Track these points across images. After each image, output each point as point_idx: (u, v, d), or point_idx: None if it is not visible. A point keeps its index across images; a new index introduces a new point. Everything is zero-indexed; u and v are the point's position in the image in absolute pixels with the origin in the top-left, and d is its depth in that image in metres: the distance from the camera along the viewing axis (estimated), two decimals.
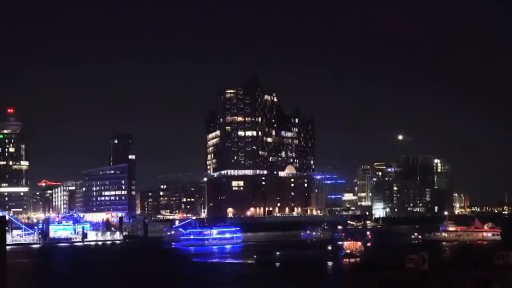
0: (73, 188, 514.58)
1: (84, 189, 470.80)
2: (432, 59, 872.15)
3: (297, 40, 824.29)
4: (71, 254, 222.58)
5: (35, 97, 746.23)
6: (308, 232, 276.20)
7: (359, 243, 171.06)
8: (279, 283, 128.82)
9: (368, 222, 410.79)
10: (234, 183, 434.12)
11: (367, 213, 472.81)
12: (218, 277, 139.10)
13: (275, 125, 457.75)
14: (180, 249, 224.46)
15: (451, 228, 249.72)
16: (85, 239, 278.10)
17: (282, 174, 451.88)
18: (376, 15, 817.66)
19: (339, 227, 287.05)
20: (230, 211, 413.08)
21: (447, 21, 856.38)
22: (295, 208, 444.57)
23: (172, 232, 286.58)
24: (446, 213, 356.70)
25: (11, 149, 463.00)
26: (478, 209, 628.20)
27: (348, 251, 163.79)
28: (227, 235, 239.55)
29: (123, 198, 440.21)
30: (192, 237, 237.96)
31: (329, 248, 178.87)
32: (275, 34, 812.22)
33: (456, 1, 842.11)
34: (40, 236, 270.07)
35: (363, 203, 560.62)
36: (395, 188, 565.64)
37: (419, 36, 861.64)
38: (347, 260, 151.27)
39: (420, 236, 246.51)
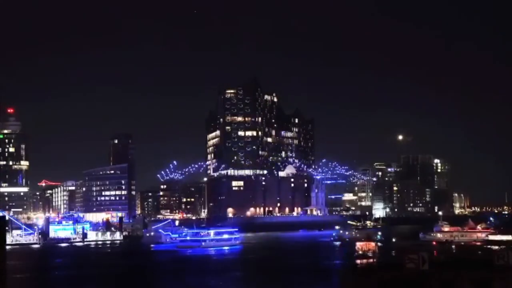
0: (73, 188, 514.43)
1: (84, 189, 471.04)
2: (432, 58, 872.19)
3: (297, 39, 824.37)
4: (71, 254, 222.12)
5: (35, 97, 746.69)
6: (340, 231, 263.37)
7: (373, 244, 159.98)
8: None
9: (368, 222, 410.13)
10: (234, 183, 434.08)
11: (367, 213, 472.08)
12: None
13: (275, 125, 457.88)
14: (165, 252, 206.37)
15: (445, 229, 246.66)
16: (85, 239, 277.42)
17: (282, 174, 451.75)
18: (375, 15, 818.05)
19: (337, 227, 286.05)
20: (230, 211, 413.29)
21: (447, 21, 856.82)
22: (295, 208, 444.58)
23: (152, 233, 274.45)
24: (440, 213, 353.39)
25: (11, 149, 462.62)
26: (478, 209, 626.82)
27: (361, 252, 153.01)
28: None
29: (123, 198, 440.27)
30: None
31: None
32: (276, 33, 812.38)
33: (456, 1, 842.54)
34: (40, 236, 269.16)
35: (363, 203, 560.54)
36: (395, 188, 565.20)
37: (419, 36, 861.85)
38: (360, 261, 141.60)
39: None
